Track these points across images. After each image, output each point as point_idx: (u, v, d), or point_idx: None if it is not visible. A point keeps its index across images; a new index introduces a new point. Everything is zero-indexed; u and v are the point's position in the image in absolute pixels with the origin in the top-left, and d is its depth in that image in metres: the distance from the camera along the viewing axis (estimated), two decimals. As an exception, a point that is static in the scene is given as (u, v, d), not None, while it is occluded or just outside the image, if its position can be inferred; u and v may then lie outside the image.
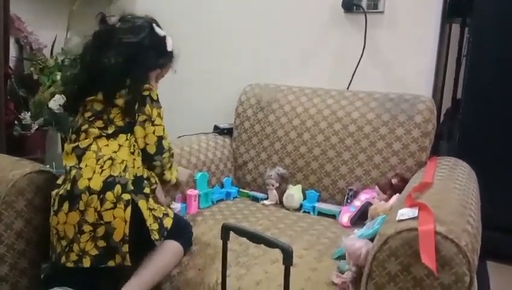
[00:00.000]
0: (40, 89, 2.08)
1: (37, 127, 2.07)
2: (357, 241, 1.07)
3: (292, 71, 1.96)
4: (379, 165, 1.59)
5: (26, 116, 2.04)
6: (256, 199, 1.73)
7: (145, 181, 1.24)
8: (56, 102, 1.95)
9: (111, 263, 1.13)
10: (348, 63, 1.84)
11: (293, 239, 1.34)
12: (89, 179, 1.14)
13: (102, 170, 1.16)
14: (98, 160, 1.17)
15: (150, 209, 1.19)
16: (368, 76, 1.82)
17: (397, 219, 0.95)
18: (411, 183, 1.29)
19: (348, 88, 1.83)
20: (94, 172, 1.15)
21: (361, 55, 1.80)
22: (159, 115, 1.28)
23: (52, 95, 1.98)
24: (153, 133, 1.26)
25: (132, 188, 1.16)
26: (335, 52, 1.89)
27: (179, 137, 1.80)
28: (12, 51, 2.08)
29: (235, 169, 1.86)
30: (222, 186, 1.77)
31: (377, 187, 1.49)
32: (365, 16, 1.79)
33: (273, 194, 1.69)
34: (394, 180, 1.47)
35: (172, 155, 1.34)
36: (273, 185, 1.69)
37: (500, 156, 1.85)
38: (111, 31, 1.28)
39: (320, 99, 1.75)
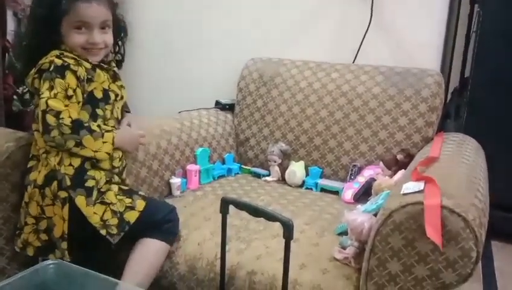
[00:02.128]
0: (39, 63, 2.04)
1: (36, 102, 2.04)
2: (359, 216, 1.05)
3: (296, 44, 1.91)
4: (384, 141, 1.55)
5: (25, 90, 2.01)
6: (258, 176, 1.71)
7: (90, 171, 1.12)
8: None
9: (51, 257, 1.11)
10: (354, 35, 1.78)
11: (295, 214, 1.31)
12: (39, 172, 1.12)
13: (43, 164, 1.12)
14: (38, 153, 1.14)
15: (108, 204, 1.12)
16: (374, 49, 1.76)
17: (402, 192, 0.92)
18: (417, 159, 1.25)
19: (353, 62, 1.78)
20: (42, 165, 1.12)
21: (368, 28, 1.75)
22: (50, 87, 1.07)
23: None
24: (38, 107, 1.08)
25: (69, 183, 1.09)
26: (340, 24, 1.83)
27: (180, 112, 1.77)
28: (11, 24, 2.05)
29: (237, 145, 1.83)
30: (223, 162, 1.74)
31: (381, 163, 1.46)
32: (372, -14, 1.73)
33: (275, 170, 1.66)
34: (399, 156, 1.43)
35: (74, 130, 1.07)
36: (275, 162, 1.66)
37: (508, 135, 1.82)
38: None
39: (325, 73, 1.70)
